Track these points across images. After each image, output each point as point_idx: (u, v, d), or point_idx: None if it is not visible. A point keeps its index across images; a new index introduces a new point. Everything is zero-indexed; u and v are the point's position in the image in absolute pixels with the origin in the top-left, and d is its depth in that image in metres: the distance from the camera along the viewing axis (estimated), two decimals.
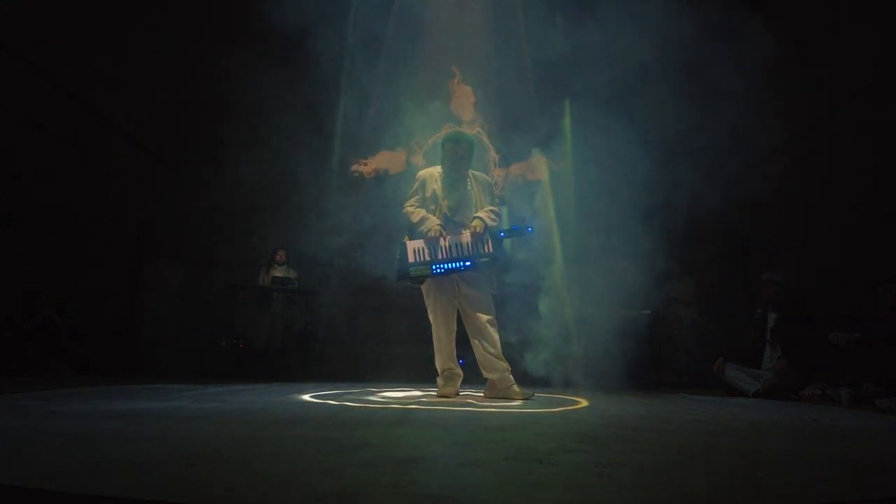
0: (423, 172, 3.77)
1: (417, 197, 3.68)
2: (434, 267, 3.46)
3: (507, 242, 3.95)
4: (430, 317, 3.63)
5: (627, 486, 1.17)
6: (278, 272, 6.33)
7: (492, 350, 3.49)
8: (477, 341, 3.53)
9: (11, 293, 5.16)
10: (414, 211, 3.63)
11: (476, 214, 3.56)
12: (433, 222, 3.54)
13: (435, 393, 3.64)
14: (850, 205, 4.69)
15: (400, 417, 2.36)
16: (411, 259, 3.50)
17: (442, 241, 3.49)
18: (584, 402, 3.29)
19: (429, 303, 3.63)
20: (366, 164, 4.89)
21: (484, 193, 3.68)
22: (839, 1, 4.86)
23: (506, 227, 3.69)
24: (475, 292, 3.53)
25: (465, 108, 4.53)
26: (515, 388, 3.47)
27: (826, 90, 4.94)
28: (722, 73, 5.43)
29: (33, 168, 5.35)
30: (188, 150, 6.99)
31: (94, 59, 5.89)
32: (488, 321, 3.51)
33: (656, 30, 4.65)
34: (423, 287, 3.62)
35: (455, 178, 3.66)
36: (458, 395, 3.65)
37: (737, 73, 5.78)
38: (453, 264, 3.47)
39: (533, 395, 3.52)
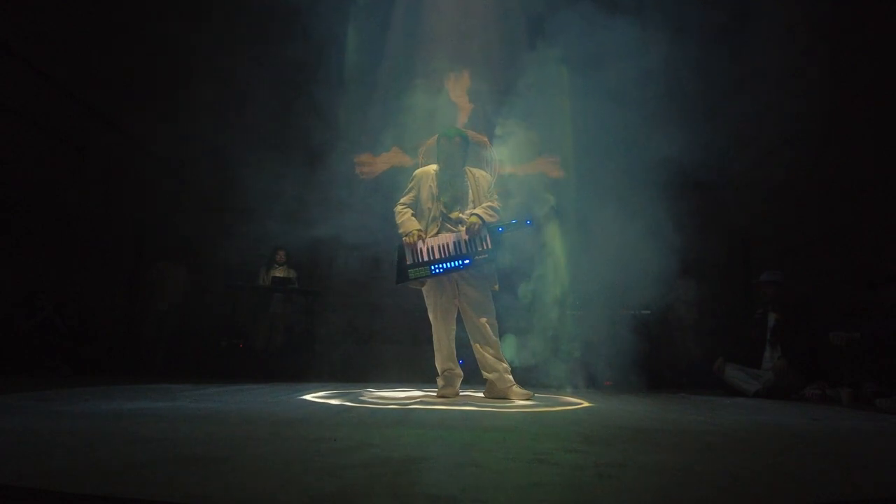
0: (419, 171, 3.75)
1: (411, 195, 3.67)
2: (433, 267, 3.45)
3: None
4: (430, 317, 3.63)
5: (628, 487, 1.17)
6: (278, 272, 6.33)
7: (491, 350, 3.49)
8: (476, 342, 3.53)
9: (11, 293, 5.16)
10: (401, 211, 3.63)
11: (473, 211, 3.53)
12: (412, 226, 3.53)
13: (435, 393, 3.64)
14: (851, 205, 4.69)
15: (400, 417, 2.36)
16: (409, 261, 3.50)
17: (421, 245, 3.49)
18: (584, 403, 3.29)
19: (429, 303, 3.62)
20: (368, 165, 4.89)
21: (482, 189, 3.65)
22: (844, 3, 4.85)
23: (504, 221, 3.66)
24: (475, 292, 3.51)
25: (462, 99, 4.51)
26: (515, 388, 3.46)
27: (827, 89, 4.93)
28: (726, 70, 5.43)
29: (33, 168, 5.35)
30: (188, 151, 6.98)
31: (93, 60, 5.90)
32: (488, 321, 3.50)
33: (661, 22, 4.63)
34: (423, 287, 3.61)
35: (451, 175, 3.64)
36: (458, 395, 3.65)
37: (741, 70, 5.78)
38: (452, 263, 3.44)
39: (532, 395, 3.52)
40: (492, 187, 3.74)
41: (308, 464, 1.31)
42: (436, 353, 3.63)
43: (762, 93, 5.93)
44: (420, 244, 3.50)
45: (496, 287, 3.62)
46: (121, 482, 1.12)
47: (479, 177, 3.70)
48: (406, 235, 3.52)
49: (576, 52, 5.04)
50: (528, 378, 4.60)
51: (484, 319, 3.49)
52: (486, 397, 3.54)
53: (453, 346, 3.64)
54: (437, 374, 3.67)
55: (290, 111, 6.82)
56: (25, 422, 1.97)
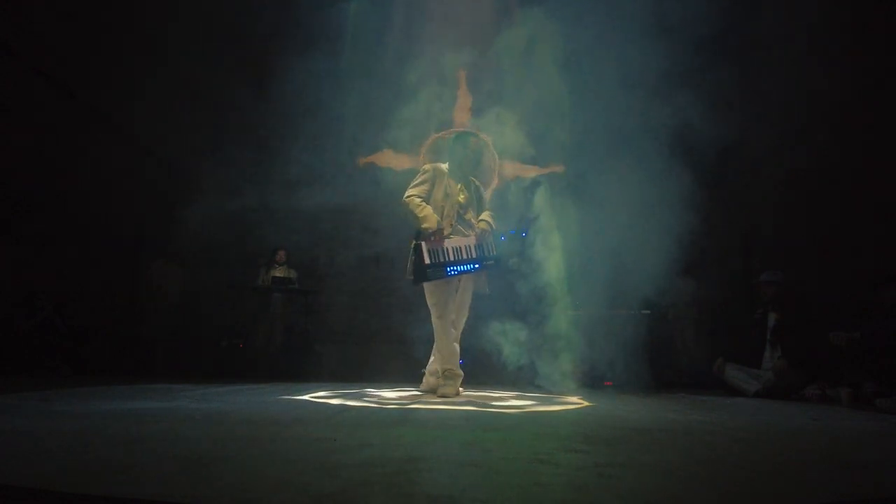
0: (431, 166, 3.70)
1: (424, 188, 3.61)
2: (448, 269, 3.50)
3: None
4: (434, 316, 3.64)
5: (628, 487, 1.17)
6: (278, 272, 6.32)
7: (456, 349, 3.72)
8: (454, 340, 3.71)
9: (11, 293, 5.16)
10: (420, 204, 3.54)
11: (481, 217, 3.67)
12: (436, 221, 3.50)
13: (435, 393, 3.65)
14: (851, 204, 4.68)
15: (400, 417, 2.36)
16: (427, 261, 3.48)
17: (447, 243, 3.52)
18: (583, 403, 3.29)
19: (433, 302, 3.62)
20: (369, 163, 4.88)
21: (481, 196, 3.80)
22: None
23: (502, 230, 3.81)
24: (468, 295, 3.71)
25: (464, 95, 4.51)
26: (445, 388, 3.58)
27: (829, 89, 4.93)
28: (725, 71, 5.42)
29: (32, 167, 5.34)
30: (188, 151, 6.99)
31: (93, 60, 5.89)
32: (464, 322, 3.77)
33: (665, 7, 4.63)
34: (427, 287, 3.61)
35: (463, 177, 3.72)
36: (458, 395, 3.66)
37: (741, 71, 5.76)
38: (466, 266, 3.55)
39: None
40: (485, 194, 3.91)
41: (308, 464, 1.31)
42: (437, 353, 3.65)
43: (764, 93, 5.93)
44: (446, 242, 3.55)
45: (487, 290, 3.76)
46: (120, 482, 1.12)
47: (479, 183, 3.84)
48: (433, 232, 3.47)
49: (575, 50, 5.04)
50: (528, 377, 4.59)
51: (464, 320, 3.76)
52: (421, 389, 3.81)
53: (454, 345, 3.66)
54: (438, 374, 3.68)
55: (290, 110, 6.82)
56: (25, 422, 1.97)
